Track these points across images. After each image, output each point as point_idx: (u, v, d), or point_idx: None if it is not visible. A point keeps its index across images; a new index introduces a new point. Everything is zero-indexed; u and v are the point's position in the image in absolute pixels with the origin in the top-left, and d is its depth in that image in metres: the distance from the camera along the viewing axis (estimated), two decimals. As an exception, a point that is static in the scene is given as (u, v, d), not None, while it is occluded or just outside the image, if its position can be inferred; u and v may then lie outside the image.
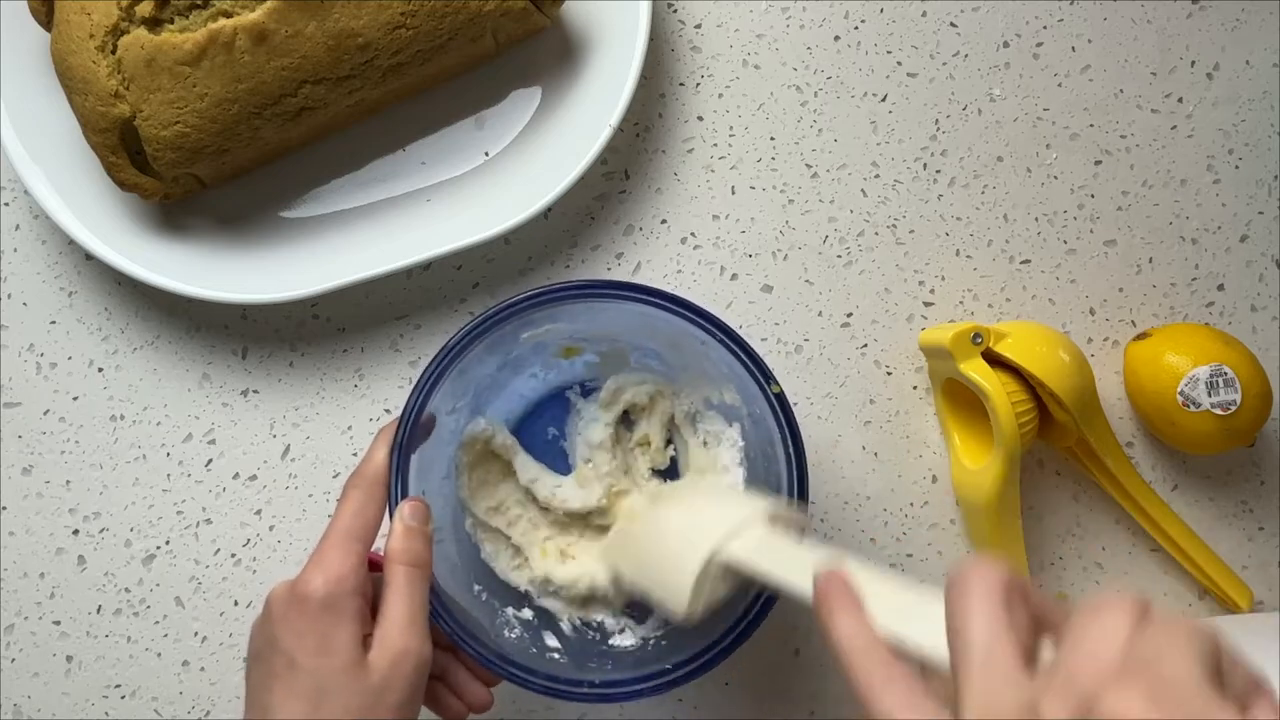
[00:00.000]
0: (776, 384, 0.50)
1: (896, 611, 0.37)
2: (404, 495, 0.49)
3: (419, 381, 0.50)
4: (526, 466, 0.57)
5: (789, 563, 0.43)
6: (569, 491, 0.56)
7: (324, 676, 0.44)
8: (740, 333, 0.50)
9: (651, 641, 0.54)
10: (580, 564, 0.56)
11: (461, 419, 0.55)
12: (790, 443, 0.50)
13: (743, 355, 0.50)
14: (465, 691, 0.52)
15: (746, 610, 0.49)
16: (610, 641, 0.55)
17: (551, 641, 0.54)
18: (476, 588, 0.55)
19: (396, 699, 0.45)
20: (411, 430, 0.50)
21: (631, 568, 0.52)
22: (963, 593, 0.33)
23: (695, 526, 0.49)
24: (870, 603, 0.37)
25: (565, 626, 0.55)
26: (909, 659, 0.36)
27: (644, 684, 0.50)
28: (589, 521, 0.57)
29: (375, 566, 0.49)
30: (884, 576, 0.39)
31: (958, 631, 0.32)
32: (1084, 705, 0.28)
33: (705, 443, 0.57)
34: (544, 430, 0.59)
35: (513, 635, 0.53)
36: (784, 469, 0.51)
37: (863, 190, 0.63)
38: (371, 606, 0.47)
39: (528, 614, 0.55)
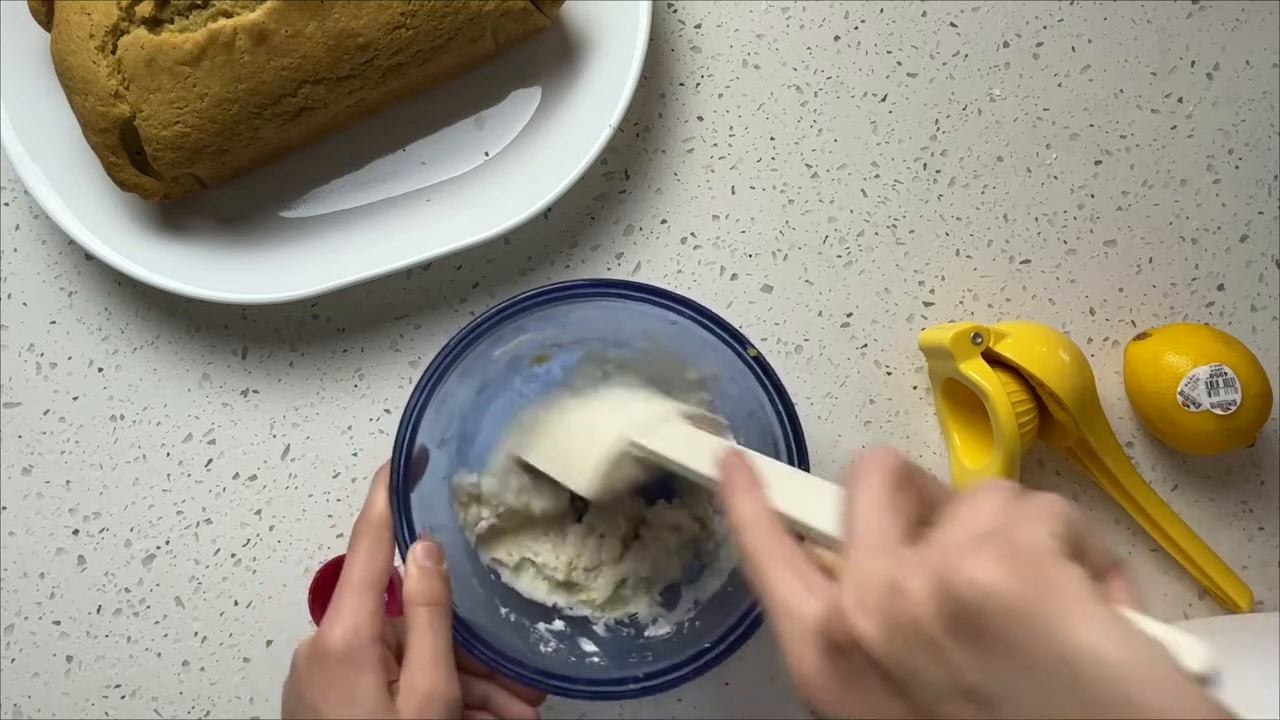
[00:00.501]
0: (753, 347, 0.50)
1: (796, 496, 0.39)
2: (410, 534, 0.49)
3: (403, 420, 0.50)
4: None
5: (697, 451, 0.45)
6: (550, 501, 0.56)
7: None
8: (721, 314, 0.51)
9: (686, 625, 0.54)
10: (604, 573, 0.56)
11: (452, 449, 0.55)
12: (778, 401, 0.50)
13: (713, 326, 0.50)
14: (509, 713, 0.51)
15: None
16: (646, 634, 0.55)
17: (589, 646, 0.54)
18: (504, 610, 0.55)
19: None
20: (405, 470, 0.50)
21: (544, 449, 0.53)
22: (855, 476, 0.35)
23: (611, 417, 0.50)
24: (773, 487, 0.39)
25: (599, 629, 0.55)
26: (808, 539, 0.37)
27: (689, 666, 0.50)
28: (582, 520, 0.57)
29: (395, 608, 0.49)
30: (789, 469, 0.41)
31: (847, 510, 0.34)
32: (942, 572, 0.30)
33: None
34: None
35: (549, 650, 0.53)
36: (778, 430, 0.50)
37: (863, 190, 0.63)
38: (396, 652, 0.47)
39: (560, 625, 0.55)
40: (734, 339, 0.50)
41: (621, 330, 0.55)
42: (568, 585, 0.56)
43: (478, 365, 0.53)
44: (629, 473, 0.49)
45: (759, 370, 0.50)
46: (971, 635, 0.29)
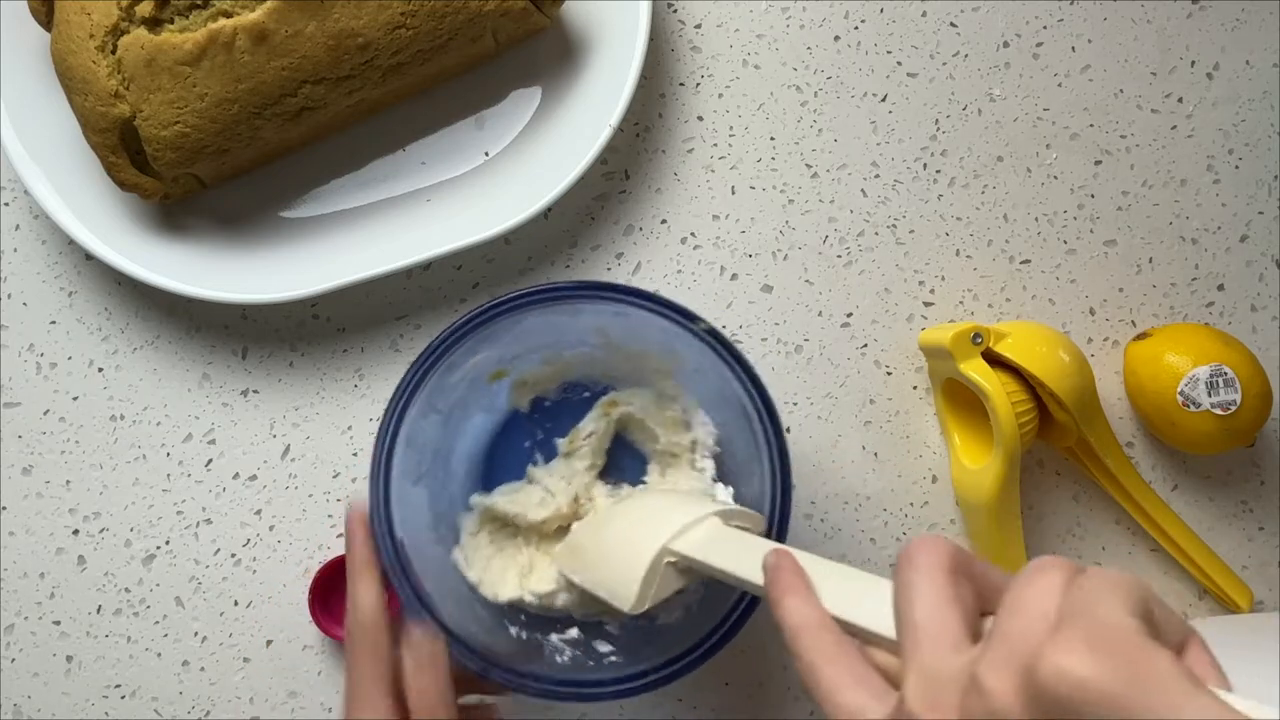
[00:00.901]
0: (703, 321, 0.50)
1: (846, 595, 0.37)
2: (419, 598, 0.49)
3: (374, 465, 0.50)
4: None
5: (739, 554, 0.44)
6: (537, 510, 0.56)
7: None
8: (703, 313, 0.50)
9: (694, 606, 0.54)
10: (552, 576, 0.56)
11: (434, 483, 0.55)
12: (739, 370, 0.50)
13: (657, 307, 0.50)
14: None
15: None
16: (658, 622, 0.55)
17: (604, 647, 0.54)
18: (513, 630, 0.54)
19: None
20: (391, 541, 0.50)
21: (583, 566, 0.52)
22: (909, 568, 0.33)
23: (647, 524, 0.50)
24: (820, 585, 0.38)
25: (612, 628, 0.55)
26: (858, 638, 0.36)
27: (703, 646, 0.50)
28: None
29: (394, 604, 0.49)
30: (833, 564, 0.39)
31: (903, 605, 0.33)
32: (1024, 664, 0.28)
33: (670, 425, 0.58)
34: (519, 444, 0.59)
35: (565, 659, 0.53)
36: (745, 400, 0.50)
37: (863, 190, 0.63)
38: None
39: (573, 633, 0.55)
40: (681, 315, 0.50)
41: (570, 332, 0.55)
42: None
43: (438, 396, 0.53)
44: (673, 581, 0.48)
45: (713, 343, 0.50)
46: None
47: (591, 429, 0.57)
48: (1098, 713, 0.27)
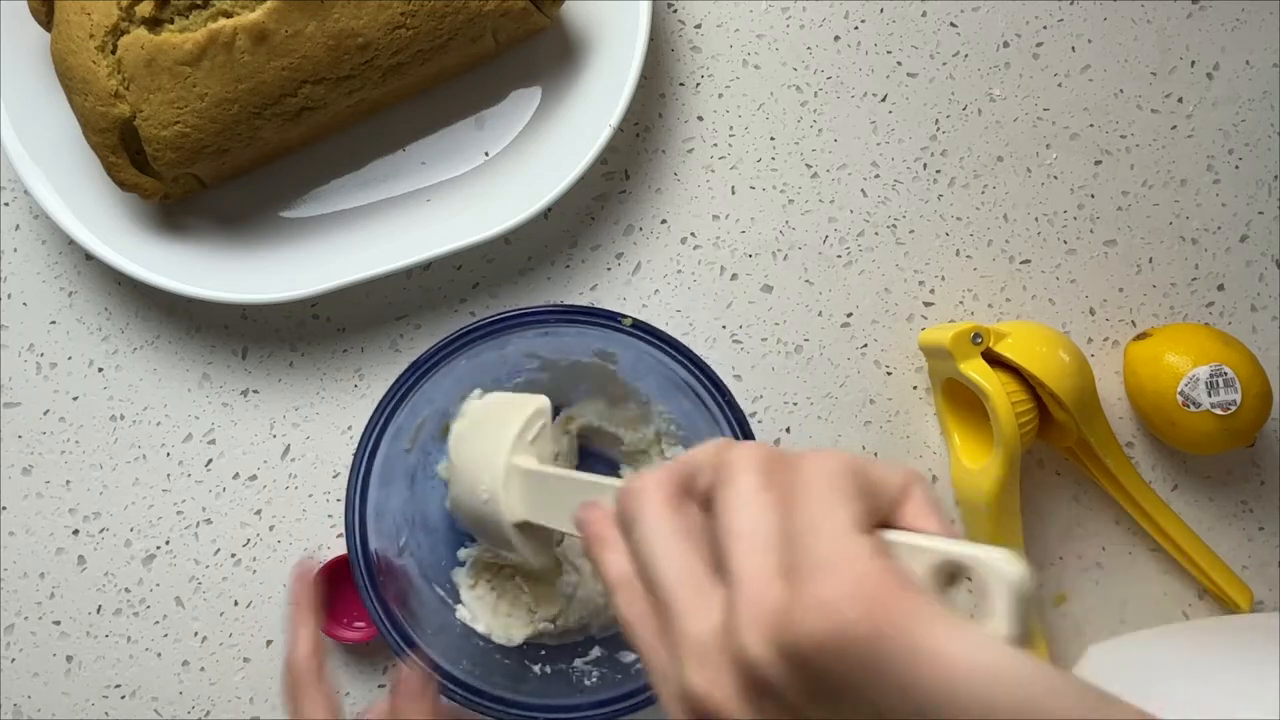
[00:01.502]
0: (628, 317, 0.51)
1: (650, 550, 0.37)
2: (409, 646, 0.50)
3: (354, 565, 0.51)
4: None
5: (555, 509, 0.44)
6: None
7: None
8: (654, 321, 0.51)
9: None
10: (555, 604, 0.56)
11: (419, 550, 0.55)
12: (673, 352, 0.50)
13: (578, 316, 0.51)
14: None
15: None
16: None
17: (629, 656, 0.54)
18: (537, 669, 0.54)
19: None
20: (372, 578, 0.51)
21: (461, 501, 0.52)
22: (630, 512, 0.33)
23: (489, 451, 0.49)
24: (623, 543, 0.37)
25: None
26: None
27: None
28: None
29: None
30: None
31: (644, 566, 0.33)
32: (775, 628, 0.28)
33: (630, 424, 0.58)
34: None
35: (594, 680, 0.53)
36: (694, 381, 0.51)
37: (863, 190, 0.63)
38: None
39: (596, 652, 0.55)
40: (604, 318, 0.51)
41: (504, 366, 0.55)
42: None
43: (393, 467, 0.53)
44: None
45: (642, 335, 0.50)
46: (825, 689, 0.27)
47: (555, 450, 0.57)
48: (857, 665, 0.27)
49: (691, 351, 0.50)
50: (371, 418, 0.51)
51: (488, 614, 0.55)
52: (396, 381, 0.51)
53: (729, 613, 0.30)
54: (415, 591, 0.54)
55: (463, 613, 0.55)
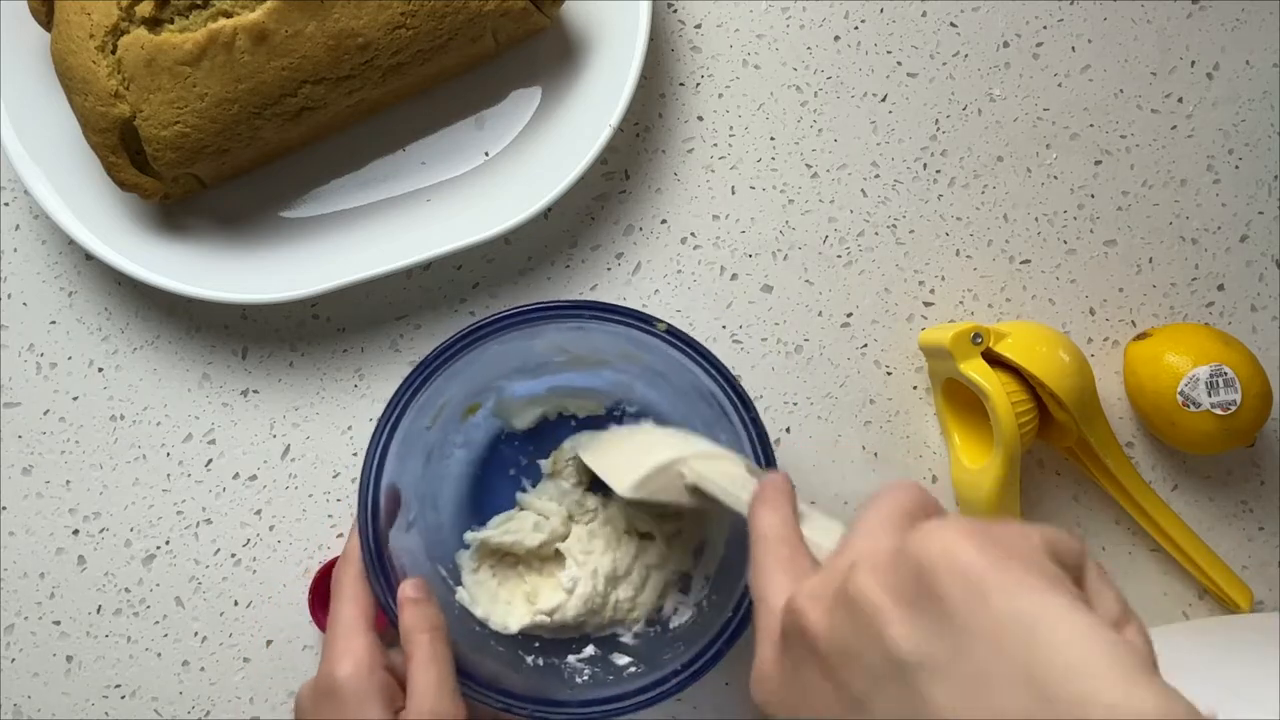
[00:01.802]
0: (662, 322, 0.51)
1: (826, 530, 0.39)
2: (387, 582, 0.50)
3: (362, 535, 0.51)
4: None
5: (734, 487, 0.45)
6: (532, 535, 0.57)
7: None
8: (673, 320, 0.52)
9: (705, 604, 0.54)
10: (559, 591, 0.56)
11: (426, 528, 0.55)
12: (704, 363, 0.50)
13: (612, 316, 0.51)
14: None
15: None
16: (671, 626, 0.55)
17: (622, 660, 0.54)
18: (530, 659, 0.55)
19: None
20: (375, 514, 0.51)
21: (598, 454, 0.54)
22: (869, 503, 0.34)
23: (675, 440, 0.51)
24: (807, 514, 0.39)
25: (628, 639, 0.55)
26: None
27: (719, 641, 0.50)
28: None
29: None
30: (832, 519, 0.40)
31: (851, 531, 0.34)
32: (903, 544, 0.29)
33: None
34: (503, 473, 0.59)
35: (584, 679, 0.53)
36: (718, 391, 0.51)
37: (863, 190, 0.63)
38: (399, 681, 0.48)
39: (590, 650, 0.55)
40: (640, 320, 0.51)
41: (533, 356, 0.55)
42: (594, 611, 0.55)
43: (414, 441, 0.53)
44: (672, 491, 0.49)
45: (674, 341, 0.50)
46: (916, 599, 0.28)
47: (573, 446, 0.57)
48: (946, 581, 0.27)
49: (721, 364, 0.50)
50: (399, 389, 0.51)
51: (487, 599, 0.55)
52: (427, 358, 0.51)
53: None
54: (417, 566, 0.54)
55: (462, 595, 0.55)
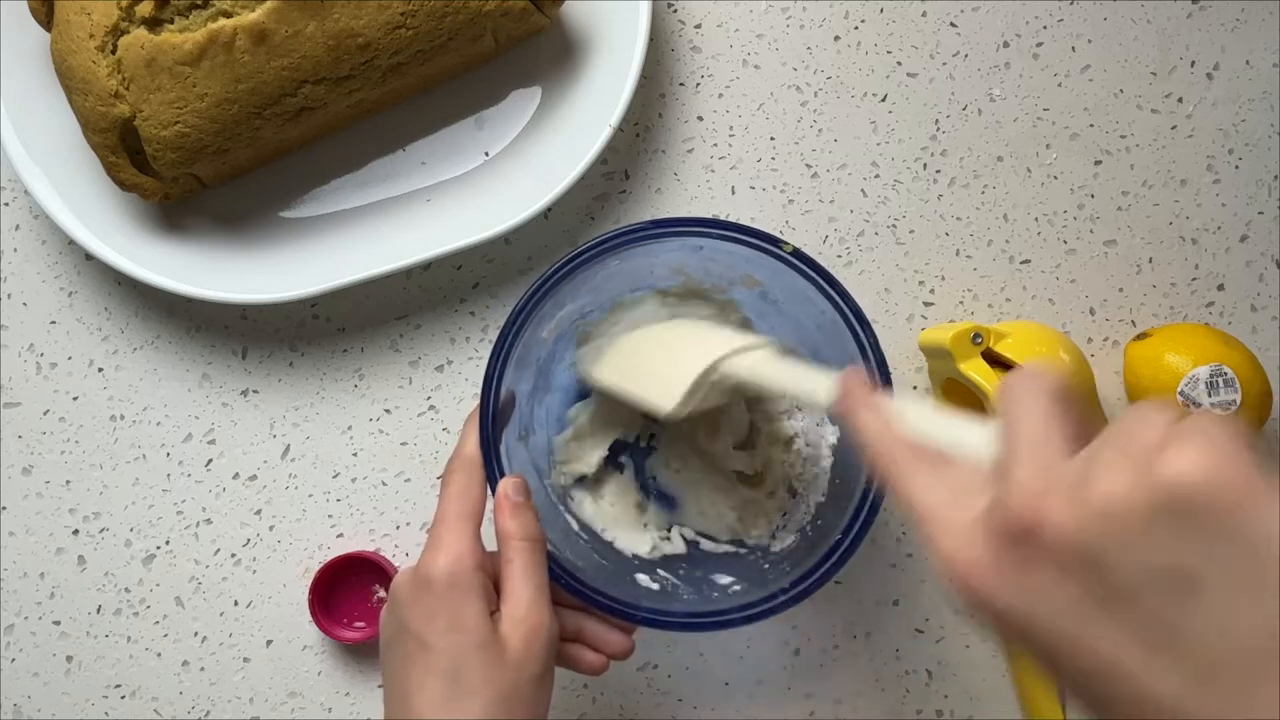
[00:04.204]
0: (788, 244, 0.50)
1: (919, 415, 0.38)
2: (500, 474, 0.50)
3: (486, 381, 0.50)
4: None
5: (796, 375, 0.44)
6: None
7: (459, 653, 0.44)
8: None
9: (809, 528, 0.54)
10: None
11: (535, 435, 0.56)
12: (829, 289, 0.50)
13: (740, 236, 0.50)
14: (604, 643, 0.51)
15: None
16: (773, 550, 0.55)
17: (724, 579, 0.54)
18: (638, 577, 0.54)
19: (533, 672, 0.45)
20: (495, 412, 0.50)
21: (625, 371, 0.52)
22: (1018, 388, 0.34)
23: (698, 341, 0.50)
24: (908, 412, 0.38)
25: (722, 555, 0.56)
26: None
27: (828, 562, 0.50)
28: None
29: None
30: (919, 402, 0.40)
31: (1010, 411, 0.33)
32: (1143, 463, 0.29)
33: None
34: None
35: (689, 596, 0.53)
36: (834, 313, 0.50)
37: (863, 190, 0.63)
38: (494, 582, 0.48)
39: (682, 569, 0.55)
40: (766, 241, 0.50)
41: (649, 275, 0.55)
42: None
43: (531, 351, 0.53)
44: (715, 397, 0.48)
45: (801, 265, 0.50)
46: (1179, 523, 0.28)
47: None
48: (1215, 513, 0.28)
49: (842, 286, 0.50)
50: (525, 295, 0.50)
51: (610, 521, 0.57)
52: (551, 270, 0.50)
53: (1087, 458, 0.31)
54: (526, 476, 0.54)
55: (588, 515, 0.56)
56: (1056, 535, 0.30)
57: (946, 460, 0.36)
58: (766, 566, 0.54)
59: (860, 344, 0.50)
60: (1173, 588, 0.29)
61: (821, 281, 0.50)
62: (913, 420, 0.37)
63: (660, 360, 0.51)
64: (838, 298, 0.50)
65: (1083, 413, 0.34)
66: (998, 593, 0.32)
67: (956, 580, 0.33)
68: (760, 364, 0.47)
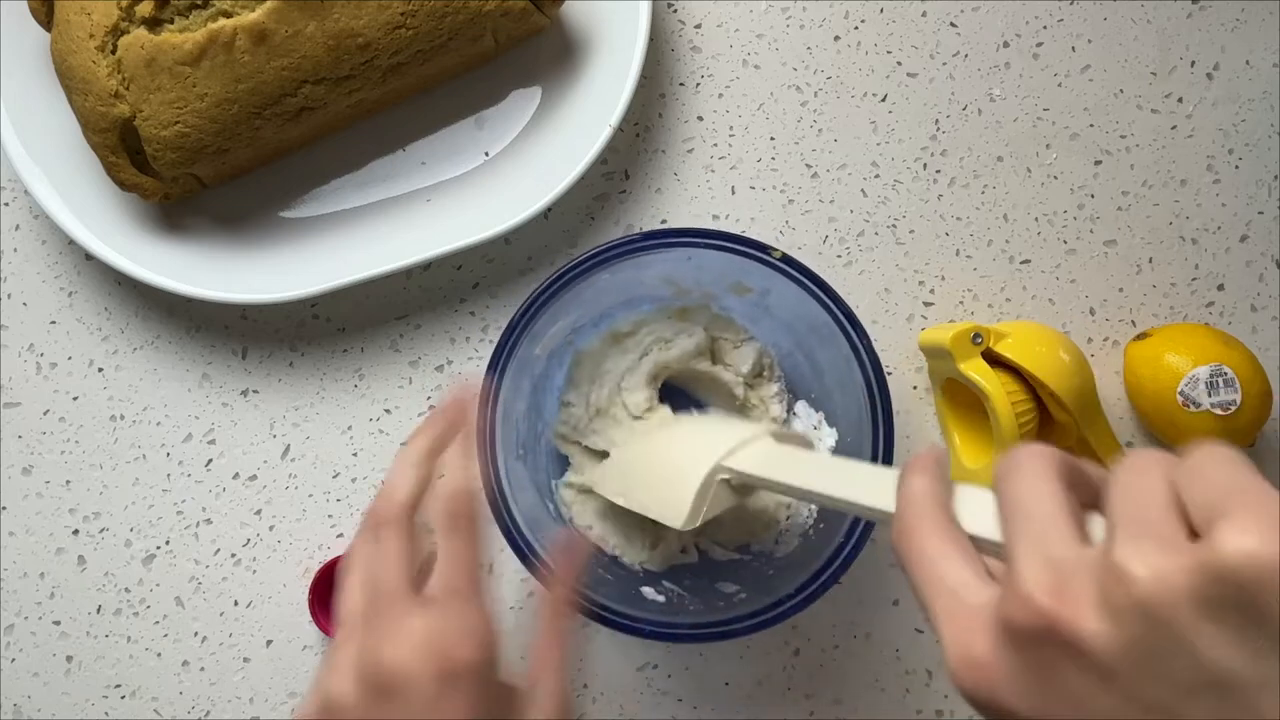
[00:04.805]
0: (776, 250, 0.50)
1: (976, 504, 0.35)
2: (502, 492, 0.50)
3: (482, 457, 0.50)
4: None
5: (799, 468, 0.44)
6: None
7: None
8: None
9: (811, 532, 0.55)
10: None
11: (531, 458, 0.56)
12: (819, 292, 0.50)
13: (729, 244, 0.50)
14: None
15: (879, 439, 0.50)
16: (777, 556, 0.55)
17: (729, 588, 0.54)
18: (643, 590, 0.54)
19: None
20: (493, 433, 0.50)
21: (629, 486, 0.52)
22: (1017, 470, 0.32)
23: (697, 443, 0.50)
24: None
25: (728, 564, 0.56)
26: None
27: (833, 565, 0.50)
28: None
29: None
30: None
31: (1011, 497, 0.31)
32: (1170, 545, 0.27)
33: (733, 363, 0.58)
34: None
35: (695, 606, 0.53)
36: (827, 316, 0.50)
37: (863, 190, 0.63)
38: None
39: (688, 580, 0.55)
40: (754, 249, 0.50)
41: (640, 286, 0.55)
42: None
43: (524, 367, 0.53)
44: (725, 499, 0.48)
45: (791, 270, 0.50)
46: (1233, 613, 0.26)
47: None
48: (1271, 590, 0.25)
49: (833, 289, 0.50)
50: (518, 311, 0.50)
51: (616, 535, 0.57)
52: (543, 285, 0.50)
53: (1107, 545, 0.28)
54: (524, 491, 0.53)
55: (594, 533, 0.56)
56: (1089, 643, 0.28)
57: (978, 549, 0.33)
58: (771, 573, 0.54)
59: (854, 346, 0.50)
60: (1212, 699, 0.27)
61: (812, 285, 0.50)
62: (964, 513, 0.34)
63: (667, 471, 0.50)
64: (829, 301, 0.50)
65: (1086, 476, 0.32)
66: (1017, 699, 0.30)
67: (965, 677, 0.31)
68: (761, 461, 0.46)
